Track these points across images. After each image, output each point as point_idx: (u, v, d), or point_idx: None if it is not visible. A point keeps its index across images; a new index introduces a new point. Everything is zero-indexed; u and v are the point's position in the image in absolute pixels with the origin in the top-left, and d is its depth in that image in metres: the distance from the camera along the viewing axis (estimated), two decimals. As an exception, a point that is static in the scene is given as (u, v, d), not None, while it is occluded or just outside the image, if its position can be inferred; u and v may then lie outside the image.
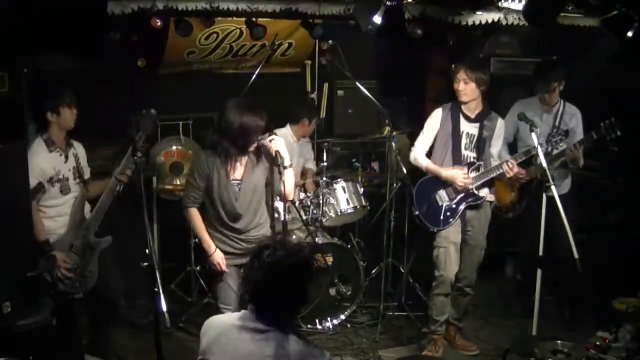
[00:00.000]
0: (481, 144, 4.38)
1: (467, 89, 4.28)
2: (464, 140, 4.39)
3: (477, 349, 4.62)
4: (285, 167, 3.73)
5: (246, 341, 2.28)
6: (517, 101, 4.96)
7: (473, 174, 4.36)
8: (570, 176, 4.90)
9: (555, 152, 4.61)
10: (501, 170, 4.30)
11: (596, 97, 5.16)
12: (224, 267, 3.79)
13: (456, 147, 4.38)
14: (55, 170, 3.87)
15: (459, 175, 4.32)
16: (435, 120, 4.46)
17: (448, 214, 4.39)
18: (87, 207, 4.09)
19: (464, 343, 4.67)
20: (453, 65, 4.44)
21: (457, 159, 4.38)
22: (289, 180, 3.75)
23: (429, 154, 4.52)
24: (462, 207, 4.39)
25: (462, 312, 4.66)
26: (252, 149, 3.74)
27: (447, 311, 4.52)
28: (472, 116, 4.38)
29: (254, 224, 3.85)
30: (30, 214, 3.57)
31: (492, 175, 4.36)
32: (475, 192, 4.38)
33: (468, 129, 4.39)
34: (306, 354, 2.27)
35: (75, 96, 3.92)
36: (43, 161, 3.79)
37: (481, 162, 4.40)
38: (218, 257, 3.79)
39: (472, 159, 4.39)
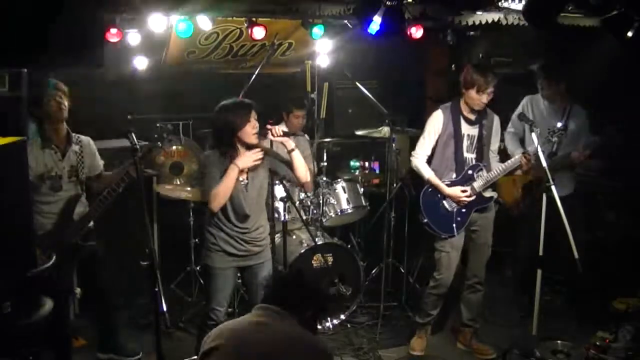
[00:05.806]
0: (482, 145, 4.33)
1: (488, 100, 4.22)
2: (465, 143, 4.31)
3: (494, 353, 4.50)
4: (292, 150, 3.82)
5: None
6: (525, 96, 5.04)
7: (479, 175, 4.30)
8: (574, 178, 4.93)
9: (560, 153, 4.67)
10: (517, 164, 4.26)
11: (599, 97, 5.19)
12: (259, 154, 3.75)
13: (458, 150, 4.29)
14: (47, 168, 3.85)
15: (460, 195, 4.27)
16: (437, 124, 4.32)
17: (459, 219, 4.32)
18: (84, 207, 4.04)
19: (481, 347, 4.56)
20: (475, 74, 4.16)
21: (459, 162, 4.30)
22: (299, 162, 3.85)
23: (429, 157, 4.42)
24: (472, 211, 4.34)
25: (476, 312, 4.59)
26: (254, 142, 3.77)
27: (439, 305, 4.53)
28: (474, 118, 4.31)
29: (257, 224, 3.89)
30: (31, 213, 3.57)
31: (508, 170, 4.30)
32: (484, 195, 4.33)
33: (468, 130, 4.31)
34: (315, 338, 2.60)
35: (61, 84, 3.83)
36: (32, 159, 3.75)
37: (485, 163, 4.34)
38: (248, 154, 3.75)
39: (473, 161, 4.33)
